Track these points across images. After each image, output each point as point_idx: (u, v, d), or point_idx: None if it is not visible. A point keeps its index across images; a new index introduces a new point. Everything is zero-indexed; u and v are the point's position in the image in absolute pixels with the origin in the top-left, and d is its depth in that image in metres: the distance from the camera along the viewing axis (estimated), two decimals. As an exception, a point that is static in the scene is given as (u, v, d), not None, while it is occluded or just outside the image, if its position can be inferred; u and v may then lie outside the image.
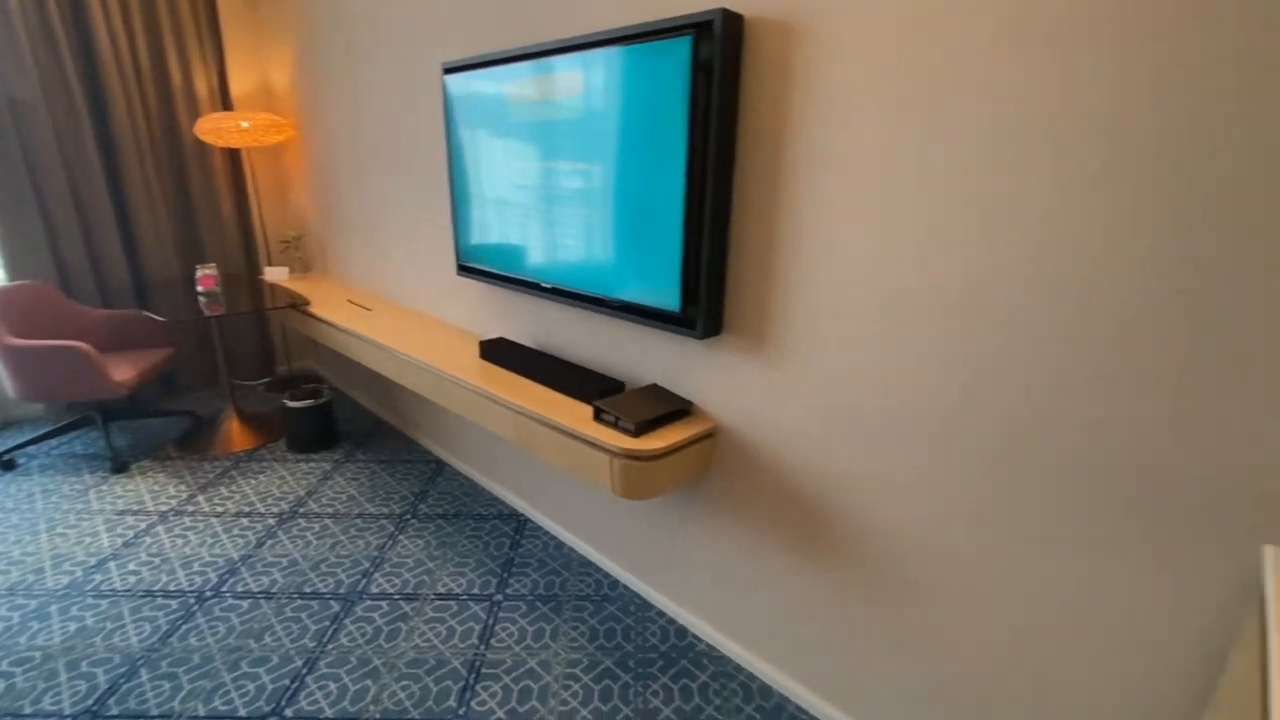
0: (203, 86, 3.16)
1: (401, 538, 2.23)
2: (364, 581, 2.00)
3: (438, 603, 1.91)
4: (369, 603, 1.91)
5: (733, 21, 1.25)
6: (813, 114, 1.24)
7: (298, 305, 2.77)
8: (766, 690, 1.62)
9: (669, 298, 1.47)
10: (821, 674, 1.53)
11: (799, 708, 1.57)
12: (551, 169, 1.67)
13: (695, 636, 1.79)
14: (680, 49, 1.30)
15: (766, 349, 1.43)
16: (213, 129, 2.97)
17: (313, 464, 2.75)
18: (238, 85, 3.34)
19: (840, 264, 1.27)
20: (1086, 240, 0.97)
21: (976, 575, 1.21)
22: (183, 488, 2.53)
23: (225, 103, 3.25)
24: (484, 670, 1.66)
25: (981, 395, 1.13)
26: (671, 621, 1.85)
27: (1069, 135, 0.96)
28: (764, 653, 1.65)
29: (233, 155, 3.34)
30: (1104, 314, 0.98)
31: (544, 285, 1.80)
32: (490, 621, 1.84)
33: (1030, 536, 1.12)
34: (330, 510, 2.39)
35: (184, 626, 1.80)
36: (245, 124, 2.97)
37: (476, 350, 2.04)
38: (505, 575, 2.04)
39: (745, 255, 1.42)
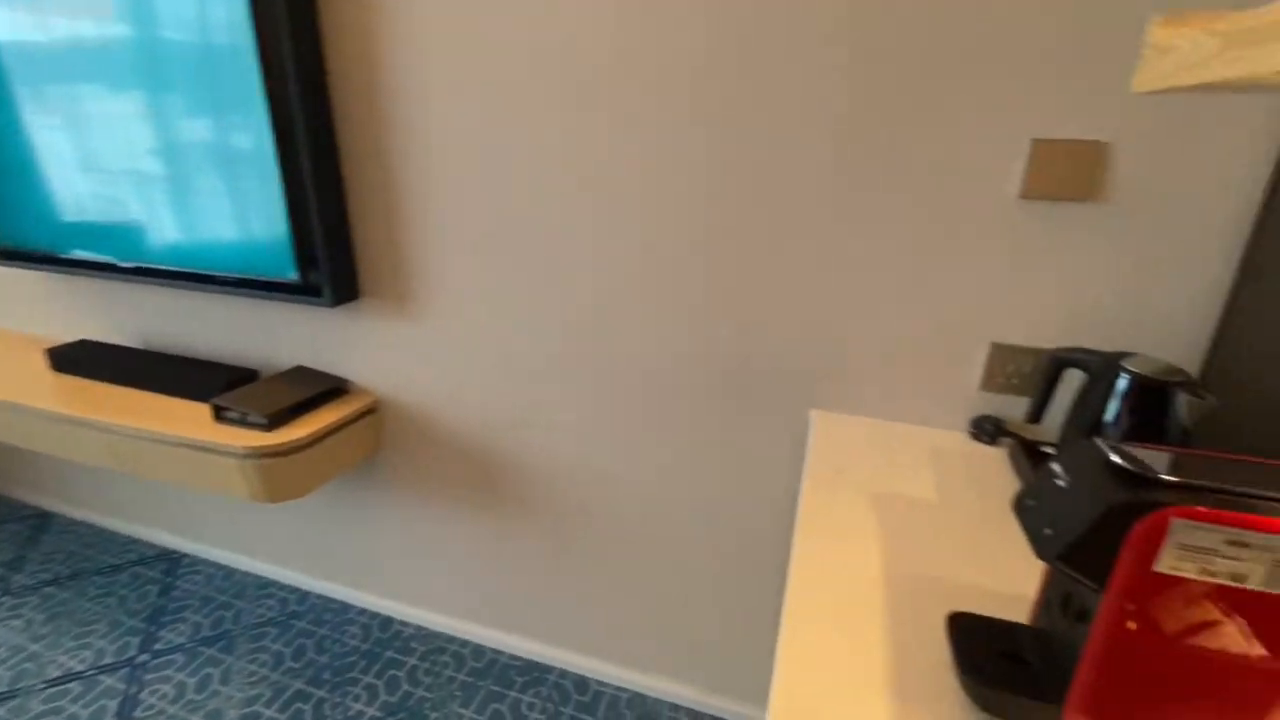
0: None
1: (-17, 626, 1.66)
2: (-84, 703, 1.45)
3: (50, 691, 1.47)
4: (-73, 728, 1.39)
5: (283, -69, 1.07)
6: (403, 40, 1.14)
7: None
8: (479, 652, 1.60)
9: (283, 265, 1.27)
10: (522, 617, 1.56)
11: (513, 656, 1.58)
12: (109, 118, 1.29)
13: (401, 623, 1.68)
14: (223, -39, 1.07)
15: (411, 308, 1.34)
16: None
17: None
18: None
19: (461, 207, 1.22)
20: (671, 175, 1.07)
21: (625, 481, 1.32)
22: None
23: None
24: (123, 752, 1.34)
25: (602, 329, 1.20)
26: (374, 616, 1.71)
27: (626, 71, 1.03)
28: (469, 616, 1.62)
29: None
30: (680, 254, 1.09)
31: (123, 266, 1.43)
32: (133, 690, 1.48)
33: (660, 438, 1.26)
34: None
35: None
36: None
37: (44, 361, 1.55)
38: (153, 629, 1.66)
39: (369, 208, 1.28)
